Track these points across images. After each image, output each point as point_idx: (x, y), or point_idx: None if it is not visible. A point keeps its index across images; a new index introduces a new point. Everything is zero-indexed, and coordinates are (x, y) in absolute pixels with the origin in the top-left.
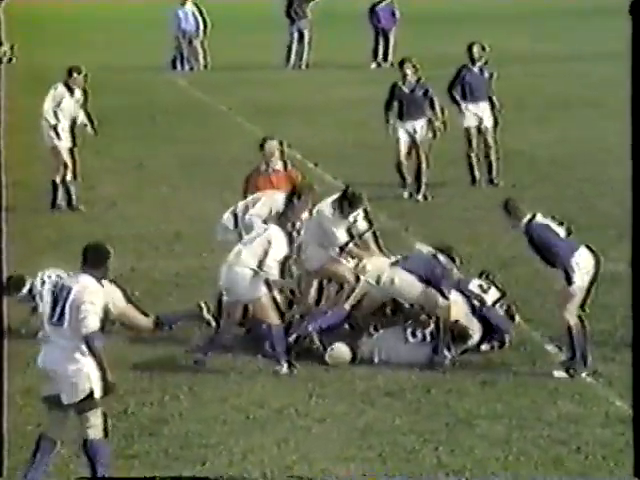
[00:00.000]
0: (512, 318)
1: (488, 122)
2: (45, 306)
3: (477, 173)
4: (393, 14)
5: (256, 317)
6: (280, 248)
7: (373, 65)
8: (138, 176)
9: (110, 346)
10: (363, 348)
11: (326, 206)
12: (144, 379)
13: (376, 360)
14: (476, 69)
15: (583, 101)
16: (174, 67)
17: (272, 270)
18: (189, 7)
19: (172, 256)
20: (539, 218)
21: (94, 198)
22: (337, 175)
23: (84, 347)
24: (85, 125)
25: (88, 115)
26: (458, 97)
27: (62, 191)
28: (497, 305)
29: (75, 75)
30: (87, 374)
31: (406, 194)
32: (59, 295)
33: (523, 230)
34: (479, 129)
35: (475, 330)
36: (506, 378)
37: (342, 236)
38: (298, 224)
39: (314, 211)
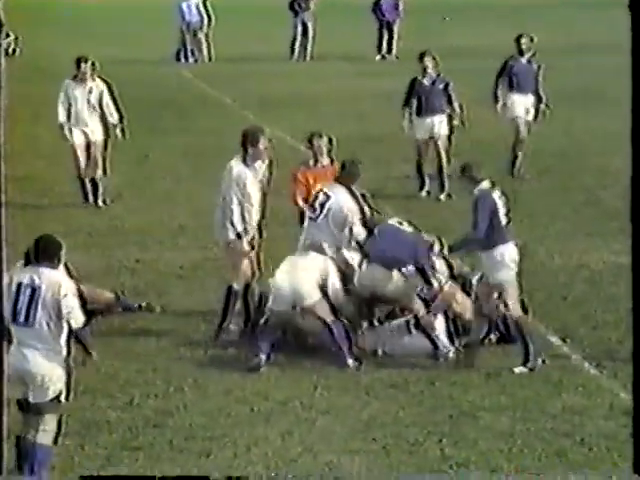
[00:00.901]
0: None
1: (530, 115)
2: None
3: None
4: (396, 6)
5: (318, 318)
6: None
7: (377, 57)
8: (143, 168)
9: (114, 338)
10: (366, 341)
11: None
12: (148, 371)
13: (379, 353)
14: (524, 60)
15: (587, 93)
16: (178, 59)
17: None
18: (194, 0)
19: (177, 248)
20: (495, 193)
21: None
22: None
23: (58, 346)
24: (114, 125)
25: (117, 109)
26: (504, 89)
27: (85, 186)
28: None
29: (83, 66)
30: (60, 375)
31: (424, 193)
32: (21, 294)
33: (475, 195)
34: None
35: (479, 325)
36: (510, 370)
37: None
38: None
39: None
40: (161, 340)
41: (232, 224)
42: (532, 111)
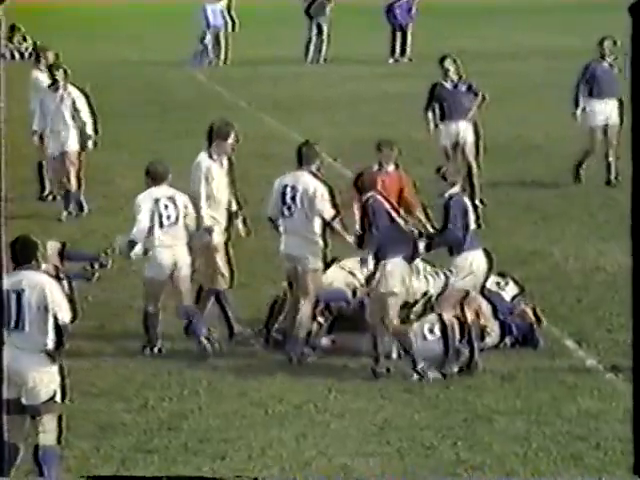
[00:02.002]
0: (538, 320)
1: (614, 120)
2: None
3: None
4: (409, 10)
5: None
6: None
7: (390, 60)
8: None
9: (129, 342)
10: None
11: None
12: (163, 374)
13: (394, 356)
14: (606, 64)
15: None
16: (195, 62)
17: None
18: (220, 4)
19: (191, 251)
20: (465, 198)
21: (112, 193)
22: (356, 170)
23: (50, 347)
24: (88, 136)
25: (92, 119)
26: (584, 94)
27: (63, 199)
28: (515, 300)
29: (55, 73)
30: (53, 375)
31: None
32: (8, 299)
33: (445, 198)
34: (605, 128)
35: (494, 330)
36: (525, 374)
37: None
38: None
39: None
40: (176, 343)
41: (202, 219)
42: (615, 116)
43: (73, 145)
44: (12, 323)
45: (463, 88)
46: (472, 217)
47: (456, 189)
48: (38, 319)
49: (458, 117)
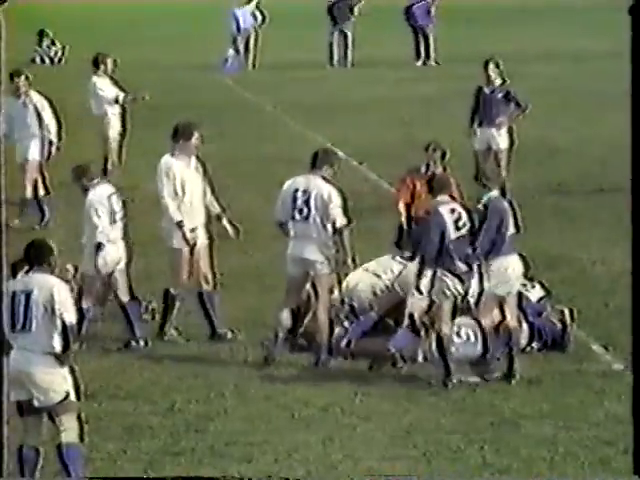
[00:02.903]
0: (564, 325)
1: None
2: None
3: None
4: (428, 12)
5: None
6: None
7: (419, 63)
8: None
9: (155, 344)
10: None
11: None
12: (189, 376)
13: (420, 359)
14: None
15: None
16: (227, 67)
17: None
18: (249, 7)
19: (216, 255)
20: (504, 202)
21: (139, 196)
22: (382, 174)
23: (57, 349)
24: (50, 142)
25: (57, 126)
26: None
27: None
28: (542, 302)
29: (16, 80)
30: (63, 376)
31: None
32: (17, 301)
33: (484, 203)
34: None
35: (523, 332)
36: (552, 378)
37: None
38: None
39: None
40: (202, 346)
41: (170, 216)
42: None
43: (34, 154)
44: (19, 325)
45: (499, 95)
46: (511, 222)
47: (495, 193)
48: (45, 320)
49: (490, 123)
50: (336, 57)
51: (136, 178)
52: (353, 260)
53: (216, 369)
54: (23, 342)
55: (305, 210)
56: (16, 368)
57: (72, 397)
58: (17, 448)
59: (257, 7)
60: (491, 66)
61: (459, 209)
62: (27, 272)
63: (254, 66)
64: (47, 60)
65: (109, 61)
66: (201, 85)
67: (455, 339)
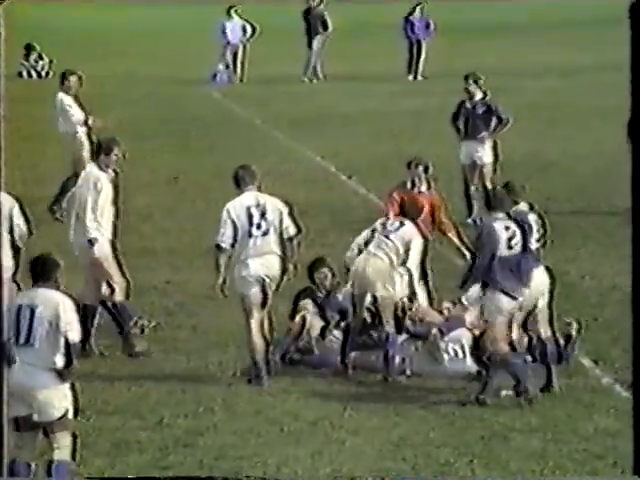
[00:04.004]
0: (568, 337)
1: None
2: (8, 326)
3: None
4: (427, 25)
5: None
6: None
7: (410, 77)
8: (173, 189)
9: (144, 359)
10: (395, 361)
11: None
12: (178, 391)
13: (408, 373)
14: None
15: (621, 112)
16: (216, 81)
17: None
18: (238, 20)
19: (207, 269)
20: (529, 216)
21: (129, 210)
22: (371, 188)
23: (59, 365)
24: None
25: None
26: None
27: None
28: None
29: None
30: (64, 393)
31: (470, 220)
32: (21, 316)
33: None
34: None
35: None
36: (541, 391)
37: None
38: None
39: None
40: (191, 360)
41: (86, 229)
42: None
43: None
44: (23, 339)
45: (481, 110)
46: (533, 236)
47: (522, 206)
48: (49, 336)
49: (472, 138)
50: (310, 70)
51: (124, 192)
52: (295, 267)
53: (205, 384)
54: (26, 357)
55: (264, 224)
56: (17, 383)
57: (70, 415)
58: (9, 462)
59: (246, 20)
60: (470, 80)
61: (514, 227)
62: (33, 286)
63: (242, 80)
64: (34, 74)
65: (73, 78)
66: (189, 99)
67: (444, 355)
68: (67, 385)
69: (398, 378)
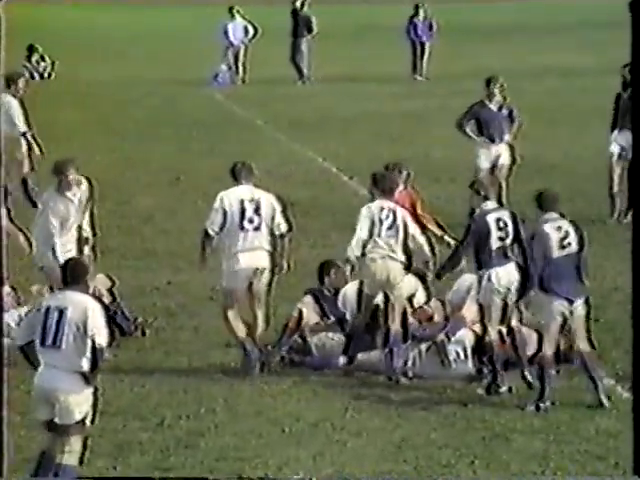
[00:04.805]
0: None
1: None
2: (35, 326)
3: None
4: (431, 27)
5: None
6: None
7: (417, 77)
8: (175, 190)
9: (146, 360)
10: (398, 362)
11: None
12: (180, 392)
13: (410, 375)
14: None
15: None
16: (217, 81)
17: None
18: (240, 21)
19: (208, 270)
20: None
21: (130, 212)
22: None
23: (85, 368)
24: None
25: None
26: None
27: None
28: None
29: None
30: (87, 397)
31: None
32: (49, 317)
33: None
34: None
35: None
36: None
37: None
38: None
39: None
40: (192, 361)
41: (53, 252)
42: (503, 158)
43: None
44: (50, 340)
45: (505, 112)
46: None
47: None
48: (76, 339)
49: (498, 140)
50: (305, 73)
51: (126, 193)
52: (288, 266)
53: (206, 384)
54: (52, 358)
55: (256, 219)
56: (41, 386)
57: (88, 419)
58: (41, 452)
59: (249, 21)
60: (495, 83)
61: (567, 227)
62: (62, 289)
63: (244, 81)
64: (36, 75)
65: (21, 81)
66: (191, 100)
67: (451, 359)
68: (91, 389)
69: (401, 378)
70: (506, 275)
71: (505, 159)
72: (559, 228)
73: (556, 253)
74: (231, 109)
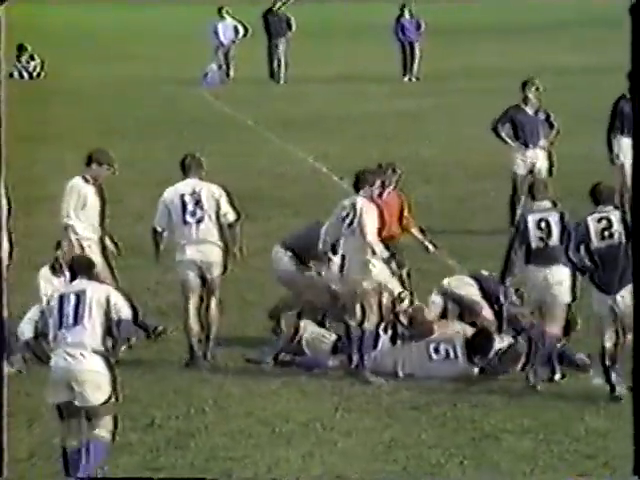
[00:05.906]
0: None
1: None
2: (48, 316)
3: None
4: (418, 27)
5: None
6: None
7: (406, 78)
8: (165, 190)
9: (136, 359)
10: (386, 361)
11: None
12: (170, 392)
13: (400, 374)
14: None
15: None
16: (207, 81)
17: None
18: (230, 20)
19: None
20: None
21: (121, 212)
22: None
23: (106, 347)
24: None
25: None
26: (615, 133)
27: None
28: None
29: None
30: (108, 376)
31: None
32: (65, 302)
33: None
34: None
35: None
36: (532, 392)
37: None
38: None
39: None
40: (182, 361)
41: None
42: (540, 163)
43: None
44: (70, 320)
45: (542, 116)
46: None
47: (546, 204)
48: (97, 317)
49: (532, 145)
50: (276, 73)
51: (118, 192)
52: (241, 251)
53: (196, 385)
54: (72, 338)
55: (198, 212)
56: (60, 367)
57: (113, 399)
58: (62, 451)
59: (239, 21)
60: (532, 86)
61: (610, 216)
62: (72, 280)
63: (234, 80)
64: (26, 75)
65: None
66: (182, 99)
67: (433, 356)
68: (110, 370)
69: (367, 374)
70: (542, 277)
71: (542, 164)
72: (600, 219)
73: (596, 243)
74: (222, 109)
